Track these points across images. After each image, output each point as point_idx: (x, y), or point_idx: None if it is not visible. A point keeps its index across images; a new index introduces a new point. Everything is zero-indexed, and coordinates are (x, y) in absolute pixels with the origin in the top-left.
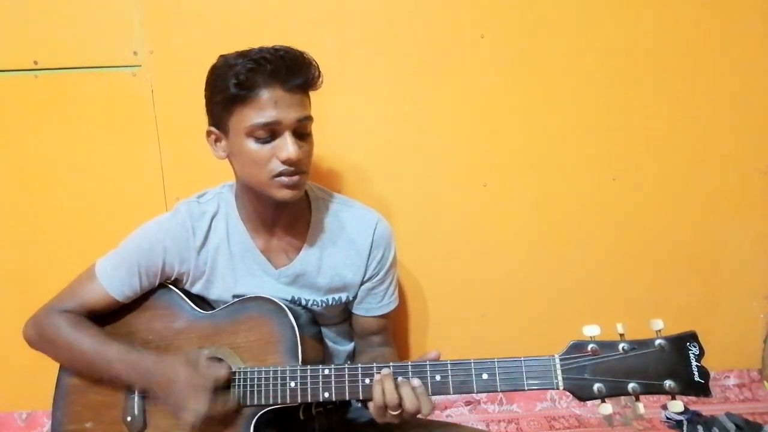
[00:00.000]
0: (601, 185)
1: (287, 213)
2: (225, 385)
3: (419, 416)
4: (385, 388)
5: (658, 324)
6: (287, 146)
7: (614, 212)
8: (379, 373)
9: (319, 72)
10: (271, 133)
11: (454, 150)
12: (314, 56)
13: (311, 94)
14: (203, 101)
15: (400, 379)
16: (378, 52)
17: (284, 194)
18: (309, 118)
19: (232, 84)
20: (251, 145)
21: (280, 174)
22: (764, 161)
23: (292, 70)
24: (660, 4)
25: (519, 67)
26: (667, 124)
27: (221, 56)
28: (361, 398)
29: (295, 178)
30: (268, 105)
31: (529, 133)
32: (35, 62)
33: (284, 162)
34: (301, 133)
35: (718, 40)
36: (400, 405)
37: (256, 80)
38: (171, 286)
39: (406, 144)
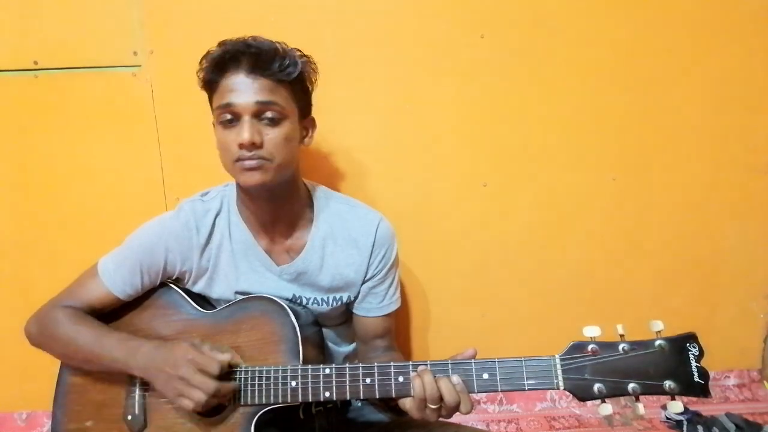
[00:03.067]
0: (601, 185)
1: (287, 212)
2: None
3: (459, 413)
4: (425, 382)
5: (658, 325)
6: (242, 130)
7: (614, 212)
8: (416, 370)
9: (294, 62)
10: (232, 116)
11: (454, 150)
12: (314, 56)
13: (315, 94)
14: (204, 100)
15: (438, 375)
16: (378, 52)
17: (245, 178)
18: (273, 104)
19: (205, 71)
20: (219, 130)
21: (239, 158)
22: (764, 161)
23: (255, 58)
24: (660, 4)
25: (519, 67)
26: (666, 124)
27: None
28: (362, 397)
29: (254, 161)
30: (227, 89)
31: (529, 133)
32: (35, 62)
33: (239, 146)
34: (267, 118)
35: (718, 40)
36: (440, 399)
37: (221, 67)
38: (172, 285)
39: (406, 144)
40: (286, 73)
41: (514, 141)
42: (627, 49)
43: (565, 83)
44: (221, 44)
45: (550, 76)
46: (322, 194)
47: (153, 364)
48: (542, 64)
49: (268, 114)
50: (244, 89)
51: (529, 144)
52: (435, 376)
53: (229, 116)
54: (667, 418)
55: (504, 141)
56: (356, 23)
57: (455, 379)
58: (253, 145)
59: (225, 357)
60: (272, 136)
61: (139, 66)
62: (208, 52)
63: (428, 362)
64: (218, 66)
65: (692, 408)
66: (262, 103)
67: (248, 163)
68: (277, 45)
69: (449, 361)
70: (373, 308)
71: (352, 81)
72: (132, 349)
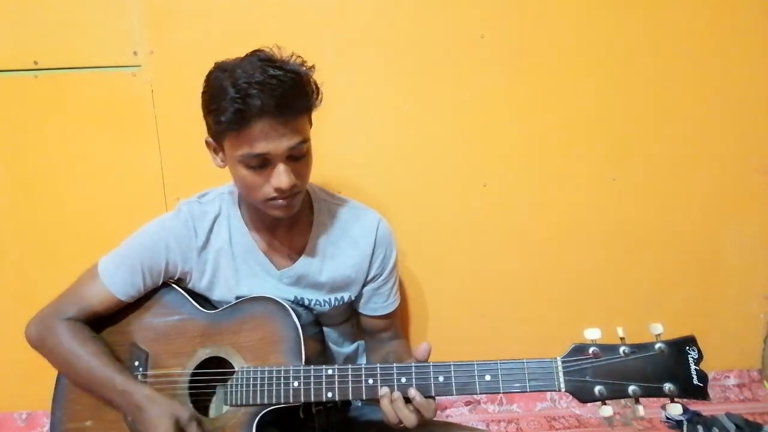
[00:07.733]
0: (601, 185)
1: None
2: None
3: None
4: (385, 411)
5: (658, 328)
6: (279, 176)
7: (614, 212)
8: (419, 370)
9: (317, 92)
10: (263, 162)
11: (454, 150)
12: (314, 56)
13: None
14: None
15: (395, 393)
16: (378, 52)
17: (278, 213)
18: (304, 142)
19: (224, 115)
20: (244, 171)
21: (273, 198)
22: (764, 161)
23: (283, 102)
24: (659, 4)
25: (519, 67)
26: (666, 124)
27: (217, 68)
28: (364, 398)
29: (289, 200)
30: (259, 137)
31: (528, 133)
32: (35, 62)
33: (276, 191)
34: (296, 156)
35: (717, 40)
36: (400, 422)
37: (246, 115)
38: (174, 285)
39: (406, 144)
40: (310, 108)
41: (514, 141)
42: (627, 49)
43: (565, 83)
44: (234, 85)
45: (550, 76)
46: (320, 195)
47: (139, 419)
48: (542, 64)
49: (299, 153)
50: (275, 136)
51: (529, 144)
52: (393, 395)
53: (258, 162)
54: (668, 418)
55: (504, 141)
56: (356, 23)
57: (411, 393)
58: (292, 187)
59: None
60: (301, 170)
61: (139, 66)
62: (219, 87)
63: (431, 363)
64: (240, 113)
65: (692, 408)
66: (296, 146)
67: (282, 201)
68: (298, 72)
69: (413, 365)
70: (379, 308)
71: (352, 81)
72: (124, 397)
